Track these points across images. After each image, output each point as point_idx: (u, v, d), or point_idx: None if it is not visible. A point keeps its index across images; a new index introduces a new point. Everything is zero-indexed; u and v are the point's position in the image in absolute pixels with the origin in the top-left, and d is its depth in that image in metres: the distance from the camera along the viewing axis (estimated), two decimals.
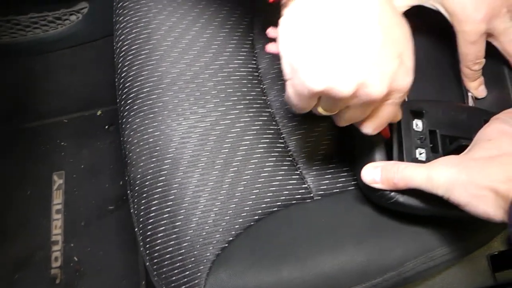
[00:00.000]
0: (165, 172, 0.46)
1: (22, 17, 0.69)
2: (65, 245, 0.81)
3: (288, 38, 0.31)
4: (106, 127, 0.88)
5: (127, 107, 0.51)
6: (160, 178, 0.46)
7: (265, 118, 0.50)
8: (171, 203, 0.45)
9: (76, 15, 0.73)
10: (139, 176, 0.47)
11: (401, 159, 0.40)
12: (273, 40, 0.43)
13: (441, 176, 0.34)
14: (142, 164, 0.48)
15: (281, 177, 0.48)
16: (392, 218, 0.45)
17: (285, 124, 0.50)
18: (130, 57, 0.52)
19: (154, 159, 0.47)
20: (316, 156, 0.49)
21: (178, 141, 0.47)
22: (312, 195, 0.48)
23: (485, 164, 0.33)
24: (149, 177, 0.47)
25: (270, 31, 0.44)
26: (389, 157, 0.40)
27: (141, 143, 0.48)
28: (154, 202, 0.46)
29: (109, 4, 0.61)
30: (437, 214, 0.41)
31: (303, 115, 0.50)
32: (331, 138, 0.50)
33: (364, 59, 0.29)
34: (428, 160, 0.40)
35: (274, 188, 0.47)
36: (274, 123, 0.50)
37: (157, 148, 0.47)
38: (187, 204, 0.45)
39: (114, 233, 0.81)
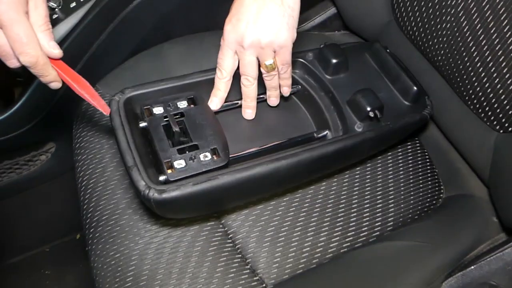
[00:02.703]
0: None
1: None
2: None
3: None
4: (87, 249, 0.93)
5: (90, 235, 0.57)
6: None
7: (213, 223, 0.56)
8: None
9: (46, 154, 0.81)
10: None
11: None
12: None
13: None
14: (107, 286, 0.53)
15: (233, 275, 0.53)
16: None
17: (230, 225, 0.56)
18: (89, 190, 0.59)
19: (117, 280, 0.52)
20: (262, 248, 0.55)
21: (137, 259, 0.53)
22: (264, 285, 0.53)
23: None
24: None
25: None
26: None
27: (105, 267, 0.54)
28: None
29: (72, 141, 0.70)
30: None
31: (248, 212, 0.57)
32: (277, 223, 0.56)
33: None
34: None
35: (228, 286, 0.52)
36: (221, 226, 0.56)
37: (119, 269, 0.53)
38: None
39: None
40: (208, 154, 0.49)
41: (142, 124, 0.51)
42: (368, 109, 0.54)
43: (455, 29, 0.54)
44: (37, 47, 0.43)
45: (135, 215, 0.56)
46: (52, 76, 0.46)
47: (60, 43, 0.67)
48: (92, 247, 0.56)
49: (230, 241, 0.56)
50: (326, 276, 0.55)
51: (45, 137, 0.79)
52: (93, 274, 0.55)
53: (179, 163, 0.48)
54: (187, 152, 0.49)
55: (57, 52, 0.45)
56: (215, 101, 0.56)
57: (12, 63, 0.44)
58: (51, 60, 0.46)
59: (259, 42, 0.50)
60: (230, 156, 0.50)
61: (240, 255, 0.55)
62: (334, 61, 0.58)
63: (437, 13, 0.56)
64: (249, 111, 0.57)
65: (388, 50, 0.62)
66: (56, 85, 0.47)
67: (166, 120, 0.51)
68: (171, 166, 0.48)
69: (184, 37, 0.72)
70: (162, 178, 0.47)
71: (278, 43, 0.51)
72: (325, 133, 0.57)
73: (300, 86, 0.60)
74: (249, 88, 0.55)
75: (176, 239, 0.54)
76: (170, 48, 0.69)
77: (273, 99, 0.59)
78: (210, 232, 0.55)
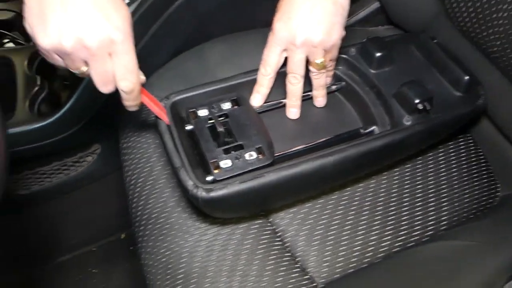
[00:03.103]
0: (180, 287, 0.51)
1: (46, 167, 0.80)
2: None
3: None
4: (131, 247, 0.95)
5: (140, 234, 0.58)
6: None
7: (261, 221, 0.56)
8: None
9: (92, 156, 0.83)
10: None
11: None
12: None
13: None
14: (159, 283, 0.53)
15: (283, 273, 0.52)
16: None
17: (278, 223, 0.56)
18: (138, 189, 0.60)
19: (168, 277, 0.53)
20: (312, 246, 0.54)
21: (187, 256, 0.53)
22: (315, 284, 0.52)
23: None
24: None
25: None
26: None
27: (155, 264, 0.54)
28: None
29: (117, 143, 0.72)
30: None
31: (296, 211, 0.56)
32: (326, 221, 0.55)
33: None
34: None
35: (278, 285, 0.51)
36: (269, 224, 0.56)
37: (169, 266, 0.53)
38: None
39: None
40: (254, 153, 0.49)
41: (188, 127, 0.52)
42: (417, 101, 0.52)
43: None
44: (138, 75, 0.46)
45: (183, 213, 0.56)
46: (138, 101, 0.48)
47: None
48: (142, 244, 0.57)
49: (279, 239, 0.55)
50: (378, 275, 0.53)
51: (91, 138, 0.81)
52: (144, 271, 0.56)
53: (225, 163, 0.48)
54: (232, 152, 0.49)
55: (143, 78, 0.47)
56: (258, 98, 0.56)
57: (107, 89, 0.45)
58: None
59: (311, 41, 0.50)
60: (275, 154, 0.50)
61: (290, 254, 0.54)
62: (377, 54, 0.57)
63: (492, 1, 0.53)
64: (294, 110, 0.57)
65: (435, 40, 0.60)
66: (135, 109, 0.49)
67: (211, 122, 0.52)
68: (218, 166, 0.48)
69: (225, 36, 0.72)
70: (209, 178, 0.47)
71: (330, 42, 0.50)
72: (372, 128, 0.55)
73: (344, 83, 0.59)
74: (296, 87, 0.54)
75: (225, 237, 0.54)
76: (212, 48, 0.70)
77: (320, 99, 0.57)
78: (258, 230, 0.55)
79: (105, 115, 0.76)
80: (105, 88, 0.45)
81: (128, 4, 0.69)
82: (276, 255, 0.53)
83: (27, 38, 0.90)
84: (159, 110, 0.51)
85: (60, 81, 0.79)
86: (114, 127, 0.75)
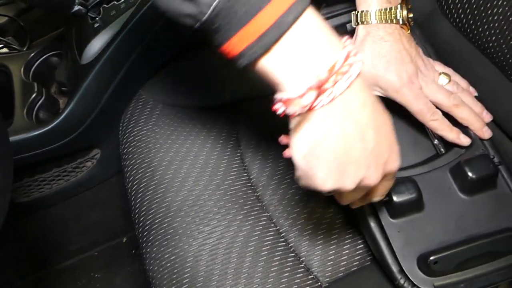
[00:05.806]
0: None
1: (46, 174, 0.80)
2: None
3: (301, 151, 0.36)
4: (133, 251, 0.95)
5: (144, 239, 0.58)
6: None
7: (264, 222, 0.56)
8: None
9: (91, 161, 0.83)
10: None
11: None
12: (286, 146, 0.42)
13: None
14: None
15: (288, 274, 0.53)
16: None
17: (282, 223, 0.56)
18: (140, 194, 0.60)
19: (174, 281, 0.53)
20: (316, 246, 0.55)
21: (192, 261, 0.53)
22: (320, 283, 0.53)
23: None
24: None
25: (283, 139, 0.43)
26: None
27: (161, 269, 0.54)
28: None
29: (117, 147, 0.72)
30: None
31: (299, 210, 0.57)
32: (329, 221, 0.56)
33: (363, 161, 0.35)
34: None
35: (283, 286, 0.52)
36: (272, 225, 0.56)
37: (175, 271, 0.53)
38: None
39: None
40: None
41: None
42: None
43: (508, 13, 0.52)
44: None
45: (187, 217, 0.56)
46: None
47: (103, 51, 0.69)
48: (147, 250, 0.57)
49: (282, 240, 0.55)
50: (382, 272, 0.53)
51: (90, 144, 0.81)
52: (149, 276, 0.56)
53: None
54: None
55: None
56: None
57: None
58: None
59: None
60: None
61: (294, 254, 0.54)
62: None
63: None
64: None
65: None
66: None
67: None
68: None
69: None
70: None
71: None
72: None
73: None
74: None
75: (229, 240, 0.54)
76: (212, 51, 0.70)
77: None
78: (262, 232, 0.55)
79: (103, 121, 0.76)
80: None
81: (124, 9, 0.69)
82: (280, 256, 0.54)
83: (22, 43, 0.90)
84: None
85: (57, 87, 0.79)
86: (113, 132, 0.75)
